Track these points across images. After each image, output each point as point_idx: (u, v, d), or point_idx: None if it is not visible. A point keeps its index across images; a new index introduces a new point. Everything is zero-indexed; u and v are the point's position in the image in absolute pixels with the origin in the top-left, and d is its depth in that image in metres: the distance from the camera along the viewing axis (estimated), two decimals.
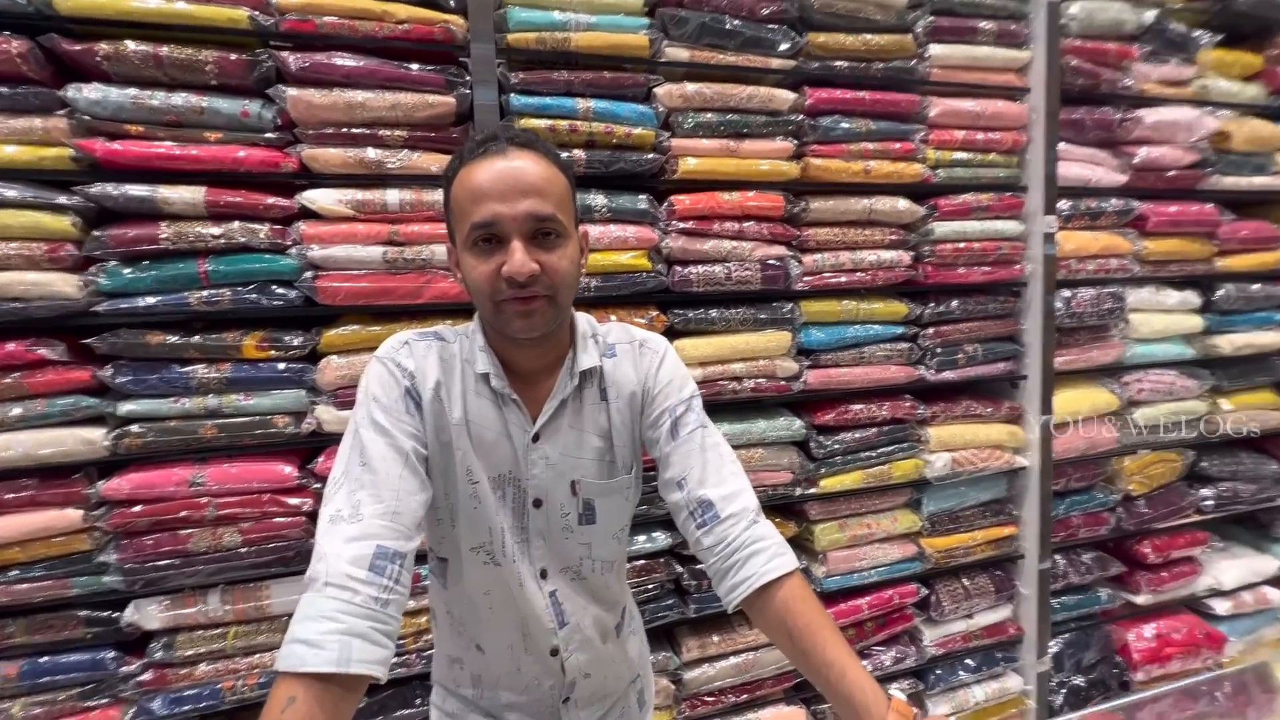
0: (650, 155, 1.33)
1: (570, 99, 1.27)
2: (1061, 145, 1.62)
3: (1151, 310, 1.78)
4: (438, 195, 1.21)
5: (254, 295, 1.14)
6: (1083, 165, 1.67)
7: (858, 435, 1.52)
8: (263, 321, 1.18)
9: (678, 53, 1.34)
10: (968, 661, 1.68)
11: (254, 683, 1.19)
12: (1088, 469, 1.75)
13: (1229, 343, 1.85)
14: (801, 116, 1.44)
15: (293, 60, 1.12)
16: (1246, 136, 1.80)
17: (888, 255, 1.52)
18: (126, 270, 1.09)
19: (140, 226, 1.09)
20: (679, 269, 1.38)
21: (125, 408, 1.11)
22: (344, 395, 1.20)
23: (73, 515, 1.09)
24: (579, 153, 1.28)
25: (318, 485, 1.20)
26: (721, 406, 1.43)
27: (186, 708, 1.15)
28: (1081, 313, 1.68)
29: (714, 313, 1.40)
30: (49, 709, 1.10)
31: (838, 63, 1.45)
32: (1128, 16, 1.64)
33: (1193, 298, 1.82)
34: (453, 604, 0.83)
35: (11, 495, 1.06)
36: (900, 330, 1.56)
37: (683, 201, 1.36)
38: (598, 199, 1.30)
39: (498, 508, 0.77)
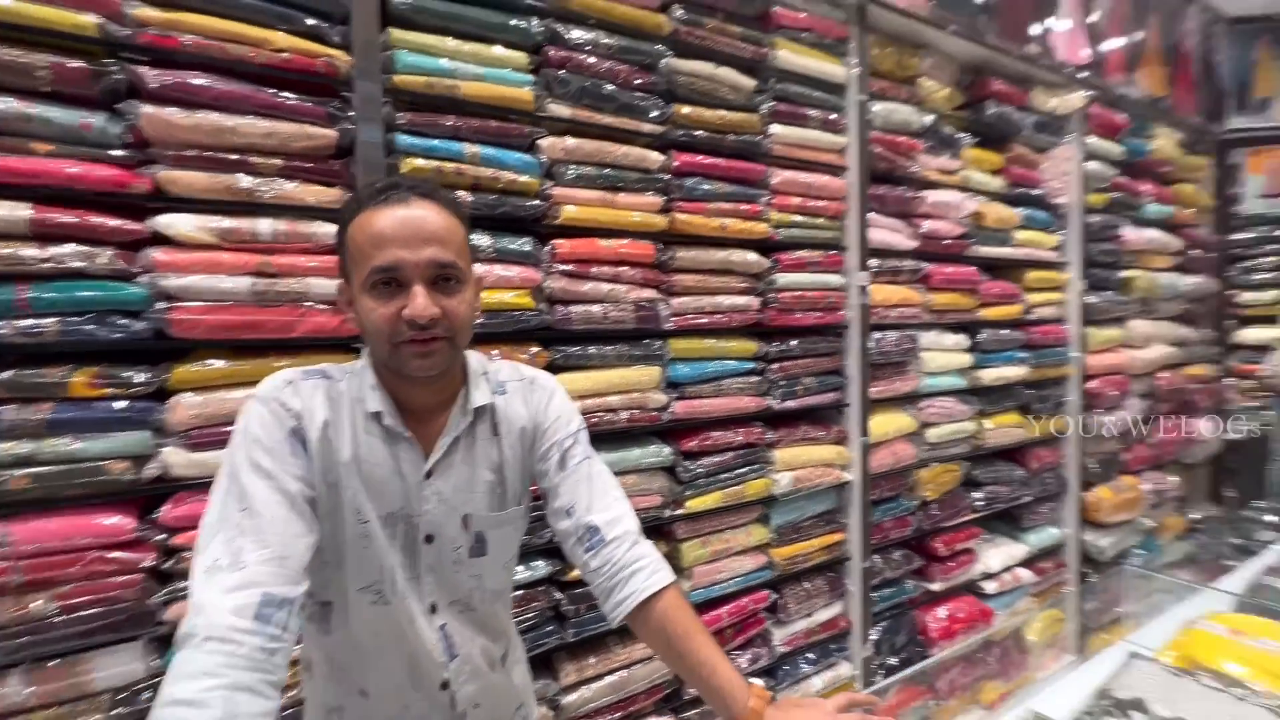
0: (534, 201, 1.42)
1: (458, 143, 1.32)
2: (870, 215, 1.99)
3: (936, 349, 2.21)
4: (315, 228, 1.19)
5: (89, 326, 1.02)
6: (886, 231, 2.06)
7: (717, 459, 1.70)
8: (97, 355, 1.06)
9: (560, 109, 1.45)
10: (809, 655, 1.92)
11: None
12: (895, 480, 2.12)
13: (988, 375, 2.36)
14: (669, 176, 1.62)
15: (150, 75, 1.04)
16: (994, 217, 2.33)
17: (740, 300, 1.74)
18: None
19: None
20: (560, 308, 1.46)
21: None
22: (198, 437, 1.10)
23: None
24: (465, 194, 1.33)
25: (161, 537, 1.08)
26: (599, 436, 1.52)
27: None
28: (888, 350, 2.05)
29: (592, 349, 1.51)
30: None
31: (699, 132, 1.66)
32: (913, 118, 2.08)
33: (964, 340, 2.29)
34: (334, 650, 0.83)
35: None
36: (751, 365, 1.79)
37: (564, 245, 1.46)
38: (483, 239, 1.35)
39: (388, 546, 0.79)
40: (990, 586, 2.39)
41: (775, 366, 1.82)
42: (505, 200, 1.37)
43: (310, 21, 1.17)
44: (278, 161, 1.16)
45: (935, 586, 2.23)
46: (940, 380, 2.22)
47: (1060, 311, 2.60)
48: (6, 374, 0.98)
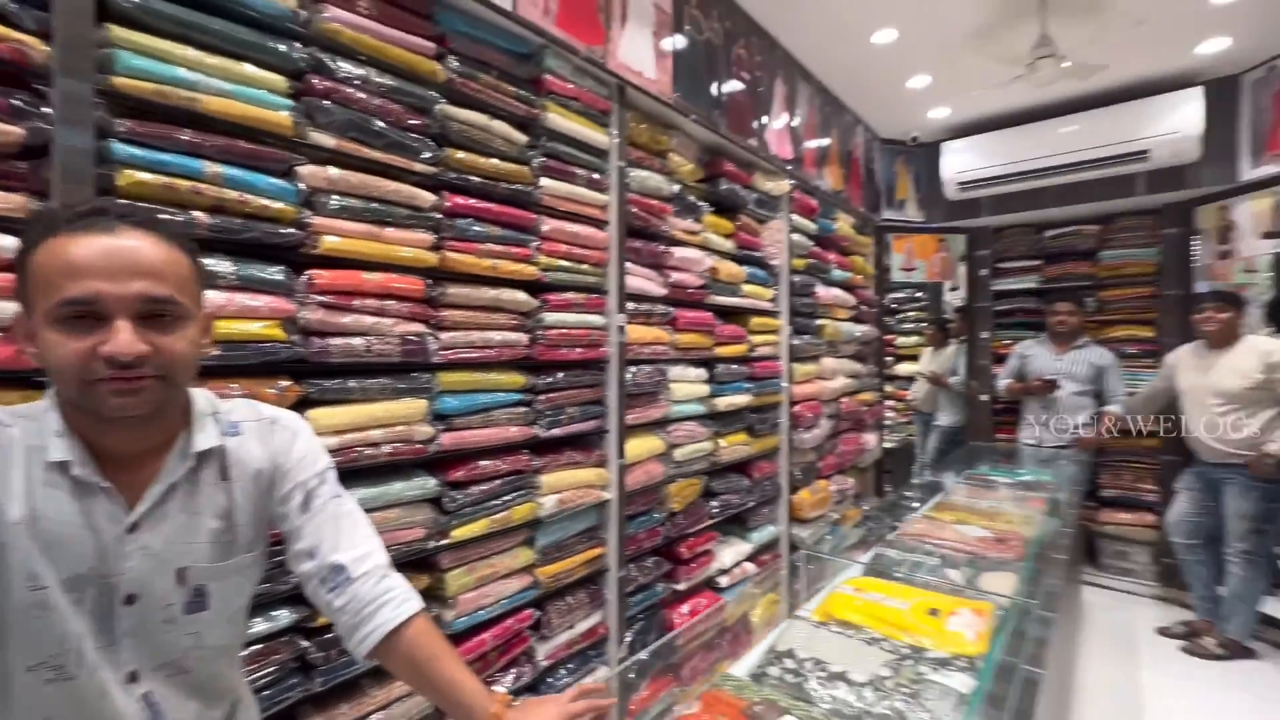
0: (289, 229, 1.36)
1: (197, 160, 1.21)
2: (629, 264, 2.29)
3: (682, 381, 2.60)
4: None
5: None
6: (641, 279, 2.38)
7: (484, 487, 1.77)
8: None
9: (323, 139, 1.42)
10: (569, 665, 2.08)
11: None
12: (648, 496, 2.42)
13: (723, 402, 2.83)
14: (441, 215, 1.68)
15: None
16: (727, 272, 2.84)
17: (511, 336, 1.86)
18: None
19: None
20: (317, 340, 1.41)
21: None
22: None
23: None
24: (201, 215, 1.22)
25: None
26: (359, 472, 1.49)
27: None
28: (642, 383, 2.35)
29: (353, 383, 1.48)
30: None
31: (473, 177, 1.76)
32: (663, 185, 2.45)
33: (704, 373, 2.73)
34: None
35: None
36: (520, 396, 1.91)
37: (323, 276, 1.42)
38: (224, 265, 1.26)
39: (73, 613, 0.71)
40: (724, 581, 2.84)
41: (542, 397, 1.97)
42: (254, 225, 1.30)
43: None
44: None
45: (680, 586, 2.58)
46: (685, 407, 2.61)
47: (774, 350, 3.24)
48: None
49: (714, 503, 2.80)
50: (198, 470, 0.79)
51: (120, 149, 1.12)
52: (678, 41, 2.47)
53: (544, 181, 1.96)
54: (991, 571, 1.71)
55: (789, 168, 3.25)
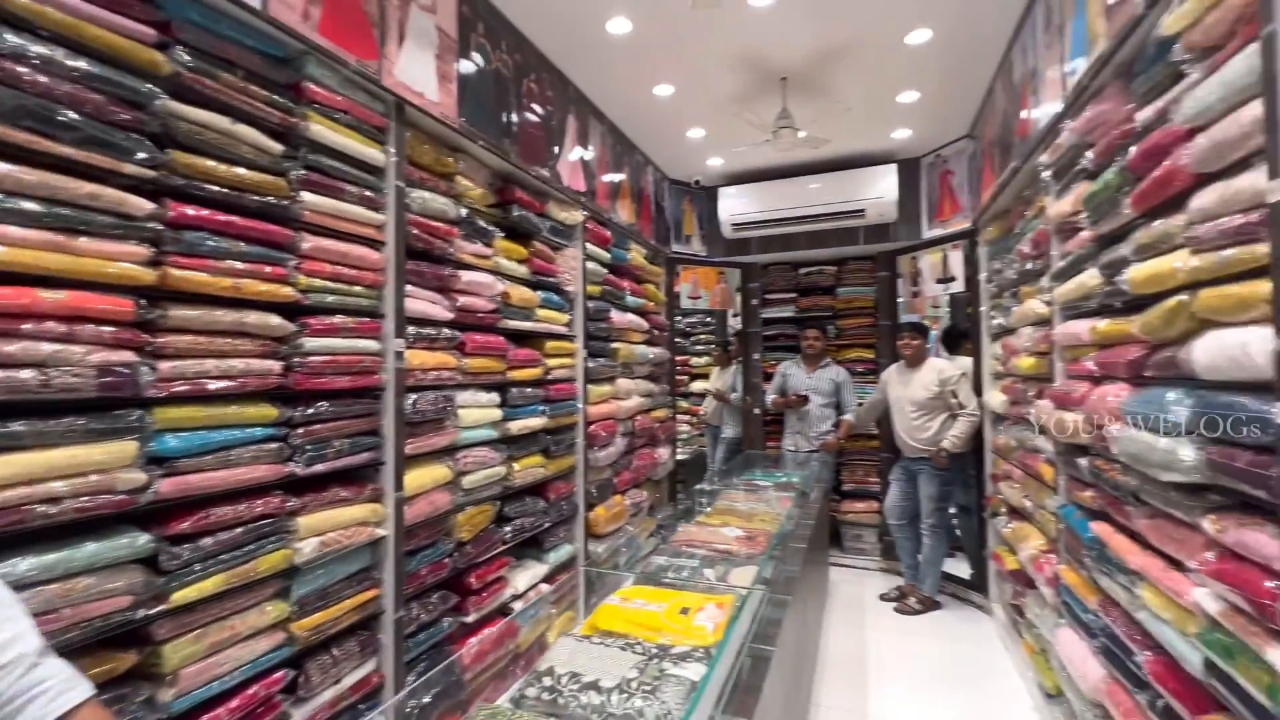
0: None
1: None
2: (409, 287, 2.20)
3: (471, 406, 2.55)
4: None
5: None
6: (424, 303, 2.30)
7: (220, 538, 1.55)
8: None
9: None
10: None
11: None
12: (432, 528, 2.32)
13: (517, 426, 2.84)
14: (161, 226, 1.45)
15: None
16: (519, 297, 2.87)
17: (258, 364, 1.67)
18: None
19: None
20: None
21: None
22: None
23: None
24: None
25: None
26: (26, 536, 1.21)
27: None
28: (425, 410, 2.26)
29: (21, 425, 1.20)
30: None
31: (211, 186, 1.55)
32: (449, 208, 2.41)
33: (496, 397, 2.71)
34: None
35: None
36: (272, 431, 1.71)
37: None
38: None
39: None
40: (518, 606, 2.81)
41: (301, 430, 1.79)
42: None
43: None
44: None
45: (469, 618, 2.50)
46: (476, 433, 2.57)
47: (570, 373, 3.35)
48: None
49: (507, 528, 2.78)
50: None
51: None
52: (464, 67, 2.47)
53: (305, 196, 1.80)
54: (740, 567, 1.96)
55: (583, 199, 3.41)
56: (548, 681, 1.26)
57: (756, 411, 5.20)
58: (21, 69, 1.20)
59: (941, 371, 3.82)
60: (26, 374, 1.20)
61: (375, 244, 2.08)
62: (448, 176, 2.44)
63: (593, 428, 3.49)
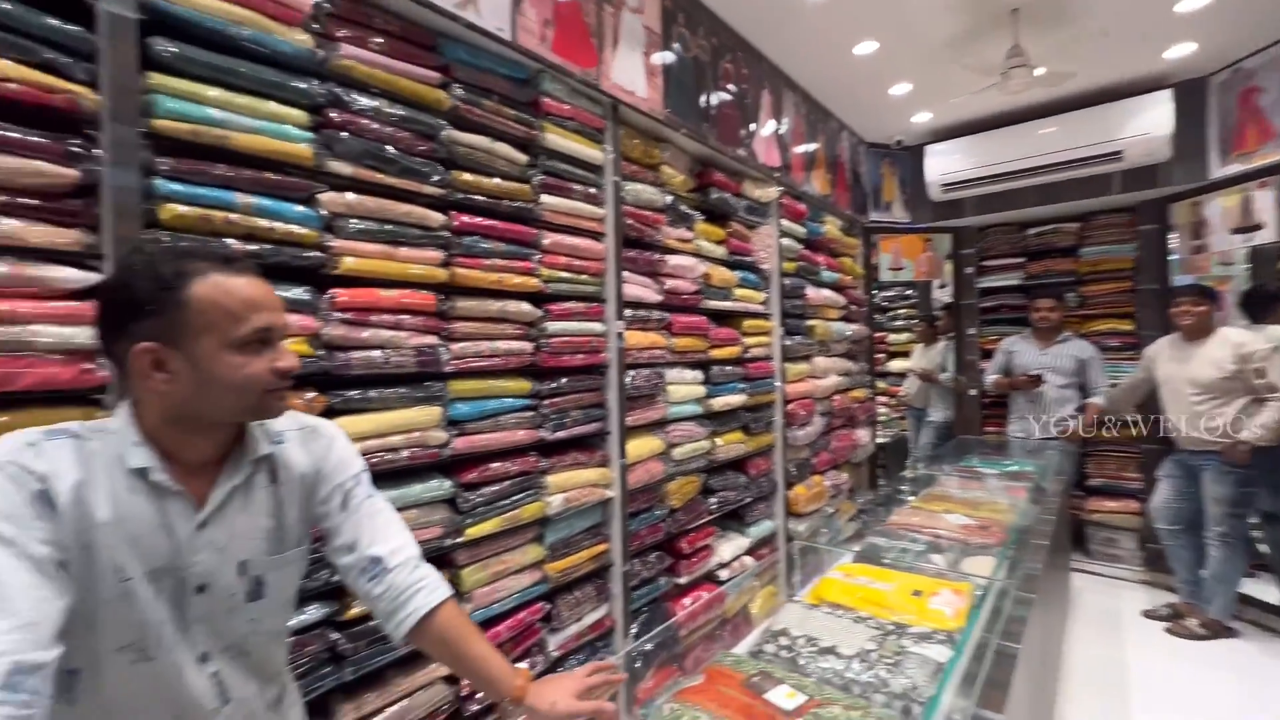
0: (313, 252, 1.47)
1: (230, 192, 1.32)
2: (625, 273, 2.40)
3: (679, 383, 2.71)
4: (47, 271, 1.10)
5: None
6: (638, 287, 2.49)
7: (495, 488, 1.88)
8: None
9: (341, 167, 1.53)
10: (579, 655, 2.18)
11: None
12: (648, 494, 2.53)
13: (718, 403, 2.95)
14: (449, 234, 1.79)
15: None
16: (719, 277, 2.96)
17: (516, 345, 1.97)
18: None
19: None
20: (340, 354, 1.52)
21: None
22: None
23: None
24: (236, 243, 1.33)
25: None
26: (380, 475, 1.60)
27: None
28: (641, 386, 2.46)
29: (373, 393, 1.59)
30: None
31: (478, 196, 1.87)
32: (656, 197, 2.57)
33: (699, 375, 2.84)
34: (88, 715, 0.81)
35: None
36: (526, 402, 2.02)
37: (344, 294, 1.53)
38: None
39: (153, 601, 0.81)
40: (724, 574, 2.95)
41: (547, 402, 2.08)
42: (281, 250, 1.40)
43: (50, 55, 1.10)
44: (1, 198, 1.06)
45: (682, 580, 2.69)
46: (682, 408, 2.73)
47: (767, 351, 3.36)
48: None
49: (712, 499, 2.91)
50: (252, 475, 0.90)
51: (163, 185, 1.23)
52: (667, 59, 2.59)
53: (544, 198, 2.07)
54: (973, 556, 1.83)
55: (776, 174, 3.38)
56: (784, 641, 1.32)
57: (972, 393, 4.68)
58: (364, 121, 1.57)
59: (1241, 345, 3.01)
60: (376, 354, 1.58)
61: (597, 236, 2.31)
62: (654, 167, 2.60)
63: (790, 406, 3.47)
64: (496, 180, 1.92)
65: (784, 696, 1.08)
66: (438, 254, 1.75)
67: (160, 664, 0.82)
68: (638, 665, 2.43)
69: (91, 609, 0.77)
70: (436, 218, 1.74)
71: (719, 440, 2.95)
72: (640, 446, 2.45)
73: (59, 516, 0.73)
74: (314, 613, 1.45)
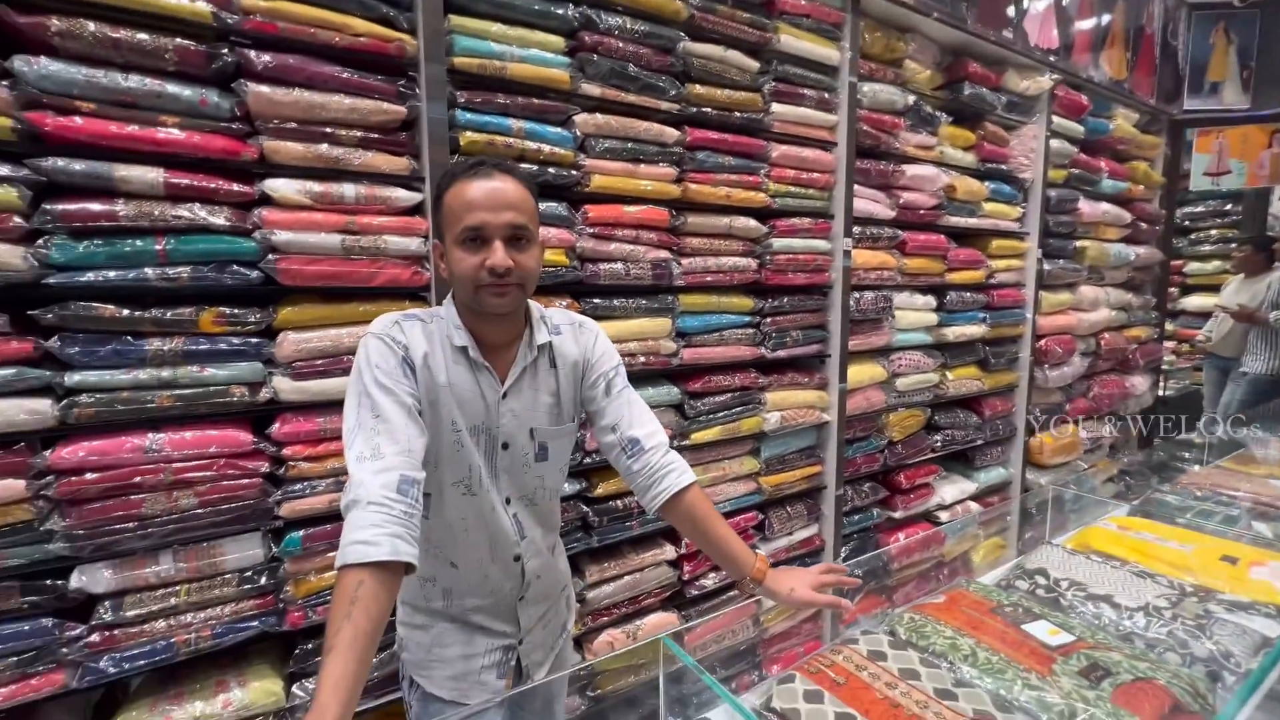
0: (569, 171, 1.62)
1: (506, 118, 1.51)
2: (856, 186, 2.23)
3: (907, 309, 2.50)
4: (389, 191, 1.39)
5: (214, 274, 1.22)
6: (869, 202, 2.31)
7: (717, 399, 1.97)
8: (216, 297, 1.26)
9: (591, 89, 1.64)
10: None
11: (208, 634, 1.28)
12: (866, 422, 2.43)
13: (952, 332, 2.66)
14: (683, 150, 1.83)
15: (258, 59, 1.22)
16: (965, 190, 2.59)
17: (740, 261, 1.99)
18: (79, 244, 1.11)
19: (95, 202, 1.12)
20: (589, 265, 1.69)
21: (74, 378, 1.13)
22: (300, 368, 1.33)
23: (14, 485, 1.09)
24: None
25: (273, 449, 1.32)
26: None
27: (140, 663, 1.21)
28: (866, 309, 2.32)
29: (615, 302, 1.74)
30: None
31: (709, 110, 1.87)
32: (897, 97, 2.30)
33: (932, 300, 2.58)
34: (431, 531, 1.06)
35: None
36: (748, 319, 2.05)
37: (593, 210, 1.67)
38: None
39: (475, 450, 1.02)
40: (944, 516, 2.75)
41: (769, 320, 2.08)
42: (545, 171, 1.58)
43: (384, 9, 1.34)
44: (357, 133, 1.35)
45: (897, 515, 2.58)
46: (910, 336, 2.52)
47: (1018, 277, 2.90)
48: (151, 312, 1.18)
49: (937, 436, 2.69)
50: (537, 359, 1.07)
51: (461, 115, 1.45)
52: None
53: (774, 107, 1.99)
54: None
55: (1053, 58, 2.77)
56: (1041, 580, 1.21)
57: None
58: (611, 40, 1.64)
59: None
60: (619, 266, 1.73)
61: (827, 146, 2.16)
62: (896, 63, 2.31)
63: (1043, 342, 2.98)
64: (727, 91, 1.88)
65: (1045, 632, 1.00)
66: (671, 170, 1.81)
67: (480, 500, 1.04)
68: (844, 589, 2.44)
69: (436, 450, 1.00)
70: (671, 133, 1.78)
71: (949, 374, 2.68)
72: (861, 373, 2.34)
73: (416, 377, 0.95)
74: (569, 486, 1.71)
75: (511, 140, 1.51)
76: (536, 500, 1.12)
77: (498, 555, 1.08)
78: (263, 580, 1.32)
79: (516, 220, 0.92)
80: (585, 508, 1.75)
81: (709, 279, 1.93)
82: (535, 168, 1.56)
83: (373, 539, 0.79)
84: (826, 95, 2.12)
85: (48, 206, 1.09)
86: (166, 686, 1.31)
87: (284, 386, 1.31)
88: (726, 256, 1.96)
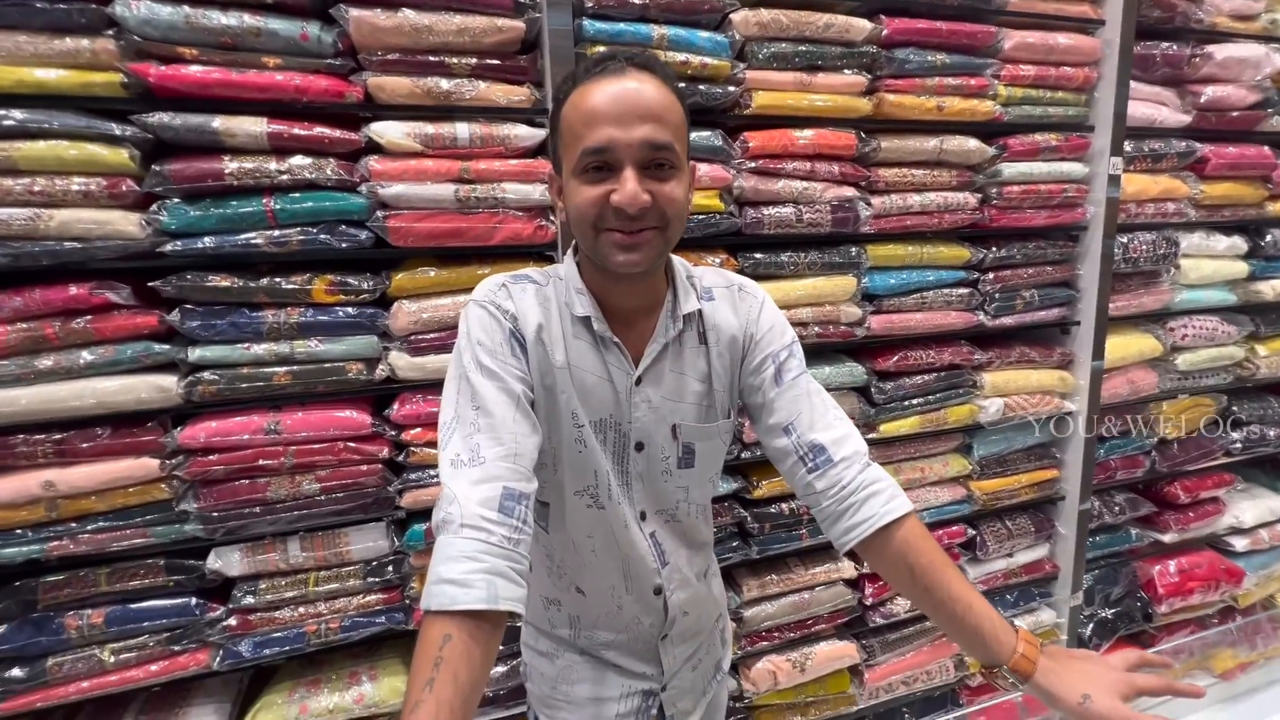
0: (725, 88, 1.27)
1: (645, 25, 1.19)
2: (1132, 83, 1.57)
3: (1201, 255, 1.77)
4: (508, 129, 1.15)
5: (323, 236, 1.09)
6: (1148, 104, 1.63)
7: (916, 381, 1.52)
8: (329, 264, 1.13)
9: None
10: (1006, 597, 1.75)
11: (336, 627, 1.20)
12: (1129, 413, 1.78)
13: (1272, 289, 1.86)
14: (876, 49, 1.37)
15: None
16: None
17: (954, 197, 1.49)
18: (190, 208, 1.03)
19: (202, 160, 1.02)
20: (750, 210, 1.33)
21: (196, 354, 1.07)
22: (417, 341, 1.17)
23: (149, 464, 1.06)
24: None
25: (393, 433, 1.18)
26: None
27: (273, 649, 1.16)
28: (1136, 258, 1.67)
29: (784, 256, 1.37)
30: (138, 654, 1.11)
31: None
32: None
33: (1240, 243, 1.81)
34: (553, 548, 0.83)
35: (87, 444, 1.03)
36: (961, 275, 1.54)
37: (755, 139, 1.30)
38: None
39: (601, 451, 0.76)
40: (1239, 543, 2.00)
41: (990, 276, 1.56)
42: (694, 88, 1.24)
43: None
44: (470, 60, 1.12)
45: (1167, 538, 1.90)
46: (1202, 294, 1.80)
47: None
48: (264, 281, 1.08)
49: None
50: (682, 332, 0.77)
51: (590, 25, 1.16)
52: None
53: None
54: None
55: None
56: None
57: None
58: None
59: None
60: (788, 210, 1.34)
61: (1089, 26, 1.53)
62: None
63: None
64: None
65: None
66: (860, 79, 1.36)
67: (609, 514, 0.79)
68: (1086, 632, 1.86)
69: (556, 448, 0.76)
70: (861, 26, 1.34)
71: (1260, 348, 1.90)
72: (1123, 346, 1.71)
73: (527, 356, 0.71)
74: (724, 486, 1.41)
75: (652, 51, 1.19)
76: (680, 516, 0.84)
77: (633, 585, 0.83)
78: (389, 574, 1.21)
79: (656, 137, 0.64)
80: (743, 511, 1.44)
81: (909, 222, 1.46)
82: (682, 85, 1.22)
83: (464, 578, 0.57)
84: None
85: (157, 167, 1.00)
86: (305, 673, 1.26)
87: (400, 363, 1.16)
88: (934, 192, 1.47)
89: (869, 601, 1.57)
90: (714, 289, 0.81)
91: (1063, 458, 1.74)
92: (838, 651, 1.56)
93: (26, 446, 1.00)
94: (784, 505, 1.47)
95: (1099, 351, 1.66)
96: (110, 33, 0.97)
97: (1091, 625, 1.85)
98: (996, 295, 1.57)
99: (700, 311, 0.79)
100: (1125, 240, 1.65)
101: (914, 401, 1.53)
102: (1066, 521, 1.76)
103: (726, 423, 0.83)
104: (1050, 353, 1.66)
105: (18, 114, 0.94)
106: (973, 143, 1.47)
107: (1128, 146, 1.61)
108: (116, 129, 0.98)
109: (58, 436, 1.02)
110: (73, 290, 0.99)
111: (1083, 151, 1.58)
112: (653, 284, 0.76)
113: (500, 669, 1.30)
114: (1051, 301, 1.63)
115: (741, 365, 0.82)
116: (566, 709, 0.88)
